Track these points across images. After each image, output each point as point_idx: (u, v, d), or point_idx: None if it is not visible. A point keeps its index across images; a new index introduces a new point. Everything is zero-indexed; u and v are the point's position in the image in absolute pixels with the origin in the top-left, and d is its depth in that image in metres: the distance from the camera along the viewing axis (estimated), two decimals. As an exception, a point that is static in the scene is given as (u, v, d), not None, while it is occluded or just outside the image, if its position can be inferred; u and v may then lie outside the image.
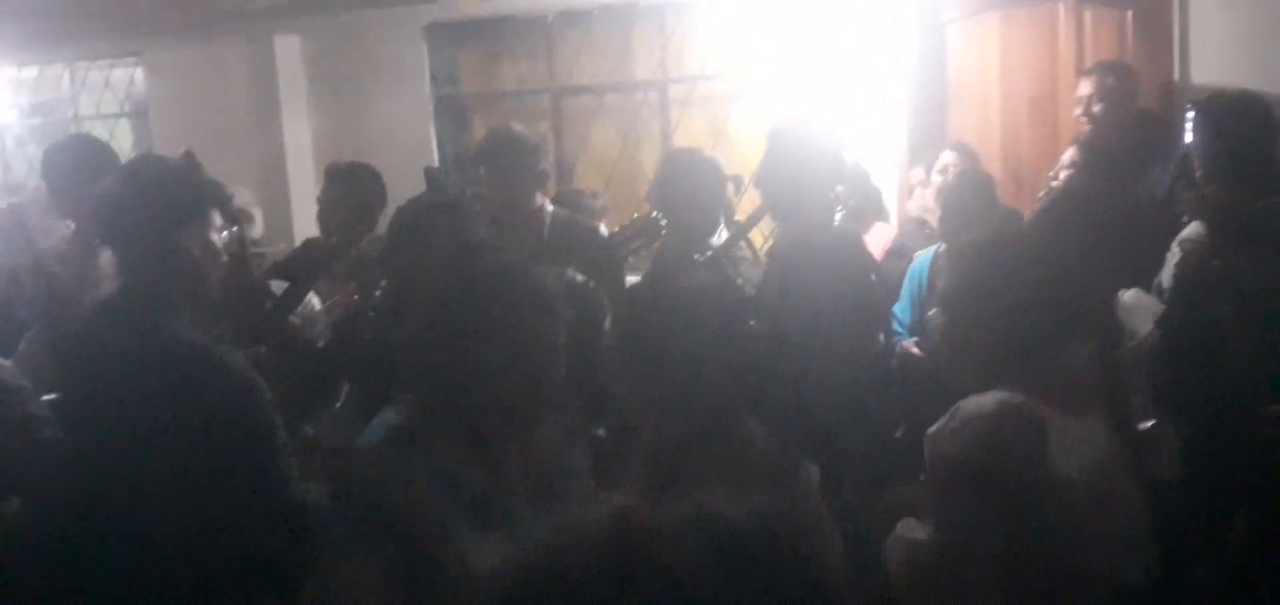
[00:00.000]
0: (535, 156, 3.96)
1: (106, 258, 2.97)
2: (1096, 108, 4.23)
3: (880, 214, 4.93)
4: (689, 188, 3.80)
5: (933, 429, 2.11)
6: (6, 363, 2.54)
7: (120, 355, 2.42)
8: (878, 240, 4.58)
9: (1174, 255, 3.19)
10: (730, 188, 4.35)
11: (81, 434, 2.47)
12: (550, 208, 4.00)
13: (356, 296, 3.52)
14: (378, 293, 3.16)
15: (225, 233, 2.65)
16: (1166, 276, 3.19)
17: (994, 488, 1.97)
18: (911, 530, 2.11)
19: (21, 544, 2.41)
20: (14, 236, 3.58)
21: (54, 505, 2.28)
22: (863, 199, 4.77)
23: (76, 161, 3.53)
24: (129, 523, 2.28)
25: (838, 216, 3.67)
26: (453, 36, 6.46)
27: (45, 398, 2.41)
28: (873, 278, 3.54)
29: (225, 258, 2.66)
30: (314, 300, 3.69)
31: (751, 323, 3.22)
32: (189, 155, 3.08)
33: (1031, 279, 2.15)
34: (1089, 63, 4.58)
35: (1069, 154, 3.97)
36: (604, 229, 4.42)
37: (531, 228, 3.88)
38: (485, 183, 3.96)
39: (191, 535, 2.27)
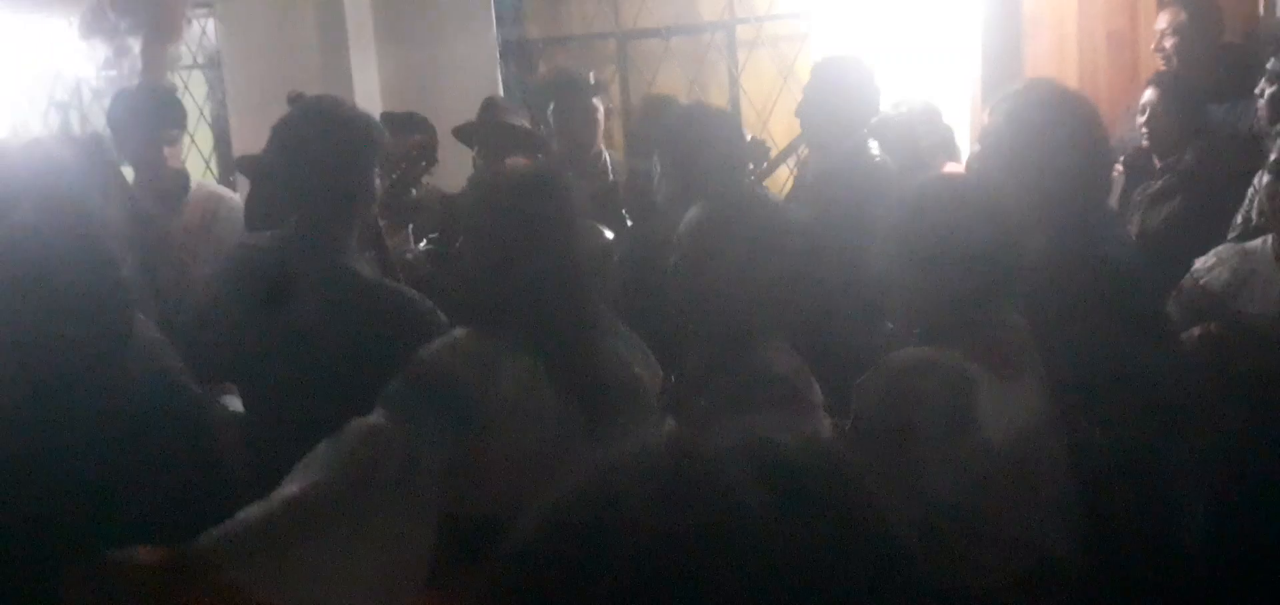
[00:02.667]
0: (600, 99, 3.98)
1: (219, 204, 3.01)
2: (1169, 42, 4.11)
3: (952, 154, 4.83)
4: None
5: (860, 379, 2.07)
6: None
7: (307, 289, 2.46)
8: (949, 181, 4.50)
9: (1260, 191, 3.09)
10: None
11: (262, 366, 2.49)
12: (606, 152, 4.02)
13: (428, 240, 3.56)
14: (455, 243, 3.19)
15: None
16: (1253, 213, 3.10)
17: (913, 443, 1.93)
18: None
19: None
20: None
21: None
22: (934, 139, 4.69)
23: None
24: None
25: (874, 151, 3.65)
26: (518, -20, 6.45)
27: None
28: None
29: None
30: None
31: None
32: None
33: (963, 232, 2.07)
34: (1170, -6, 4.43)
35: (1148, 92, 3.86)
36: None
37: (595, 170, 3.90)
38: (553, 122, 3.98)
39: None
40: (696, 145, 3.12)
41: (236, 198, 4.10)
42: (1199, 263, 2.86)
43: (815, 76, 3.69)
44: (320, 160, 2.58)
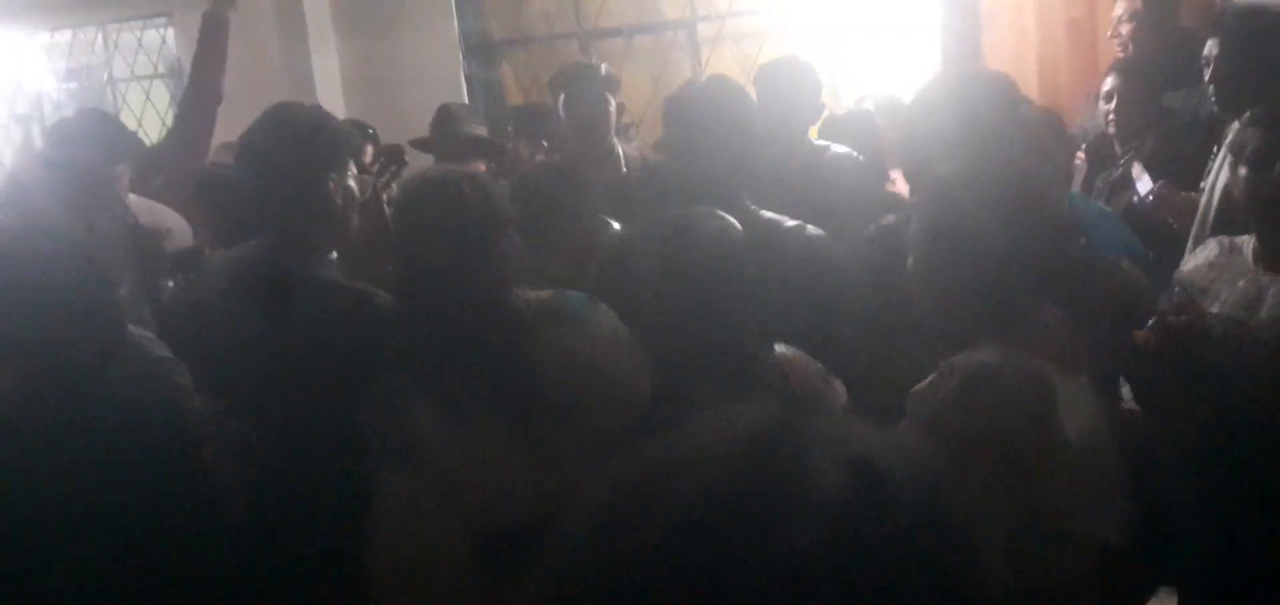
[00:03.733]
0: (613, 91, 3.96)
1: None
2: (1125, 29, 4.17)
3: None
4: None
5: (919, 388, 1.92)
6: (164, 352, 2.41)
7: (276, 300, 2.43)
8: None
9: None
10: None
11: (232, 382, 2.46)
12: (620, 148, 4.01)
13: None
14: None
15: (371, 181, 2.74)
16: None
17: (1004, 457, 1.77)
18: None
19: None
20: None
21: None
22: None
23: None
24: (288, 467, 2.31)
25: (833, 150, 3.68)
26: (479, -20, 6.44)
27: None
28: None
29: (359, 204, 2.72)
30: None
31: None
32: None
33: (1009, 220, 1.93)
34: (1129, -19, 4.50)
35: (1110, 79, 3.92)
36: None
37: (608, 166, 3.89)
38: (564, 114, 3.97)
39: (348, 476, 2.27)
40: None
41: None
42: (1190, 257, 2.84)
43: (761, 82, 3.69)
44: (286, 170, 2.53)
